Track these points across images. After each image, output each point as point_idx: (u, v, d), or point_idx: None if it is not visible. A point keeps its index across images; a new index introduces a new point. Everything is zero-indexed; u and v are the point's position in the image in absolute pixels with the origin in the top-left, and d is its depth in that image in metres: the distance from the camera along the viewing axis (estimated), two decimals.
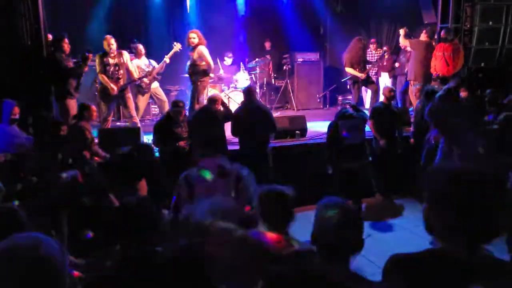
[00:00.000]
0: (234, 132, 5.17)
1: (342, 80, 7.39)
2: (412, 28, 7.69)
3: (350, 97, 7.43)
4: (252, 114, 5.00)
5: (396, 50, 8.54)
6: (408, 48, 7.40)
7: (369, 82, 7.24)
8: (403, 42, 7.27)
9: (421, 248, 1.58)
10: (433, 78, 6.96)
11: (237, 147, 5.52)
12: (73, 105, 5.42)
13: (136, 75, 6.20)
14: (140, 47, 6.77)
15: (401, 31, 7.21)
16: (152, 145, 4.57)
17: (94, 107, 4.81)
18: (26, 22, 5.39)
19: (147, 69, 6.52)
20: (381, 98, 5.85)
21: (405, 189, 5.61)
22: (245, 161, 4.95)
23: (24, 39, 5.36)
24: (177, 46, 6.40)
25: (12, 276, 1.08)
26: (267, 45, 9.15)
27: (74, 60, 5.72)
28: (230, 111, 5.28)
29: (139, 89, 6.55)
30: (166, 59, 6.44)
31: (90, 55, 5.56)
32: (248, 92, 5.22)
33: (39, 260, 1.11)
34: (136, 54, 6.80)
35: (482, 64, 7.32)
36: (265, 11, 9.25)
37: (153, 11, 8.53)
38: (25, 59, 5.37)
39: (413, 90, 6.92)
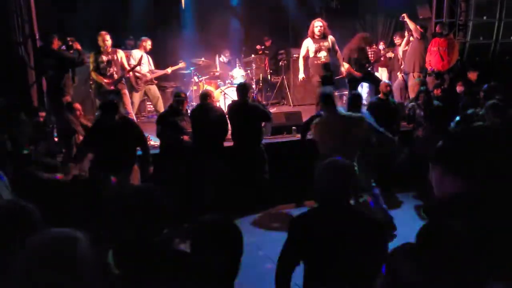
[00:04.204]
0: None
1: (336, 78, 7.33)
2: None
3: (346, 92, 7.40)
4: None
5: (391, 45, 8.54)
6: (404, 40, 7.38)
7: (368, 79, 7.15)
8: (413, 26, 6.91)
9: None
10: (428, 73, 6.98)
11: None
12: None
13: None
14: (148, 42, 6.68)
15: (405, 16, 6.96)
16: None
17: (78, 105, 4.75)
18: (18, 18, 5.35)
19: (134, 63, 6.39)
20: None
21: (403, 183, 5.63)
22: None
23: (15, 35, 5.32)
24: (182, 64, 6.93)
25: (50, 268, 1.11)
26: (267, 43, 9.14)
27: None
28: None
29: (133, 86, 6.51)
30: (169, 70, 6.78)
31: (76, 43, 5.53)
32: (237, 89, 5.08)
33: (75, 255, 1.15)
34: (138, 46, 6.75)
35: (477, 59, 7.36)
36: (260, 7, 9.21)
37: (148, 8, 8.46)
38: (17, 56, 5.34)
39: (413, 83, 6.82)
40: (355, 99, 4.98)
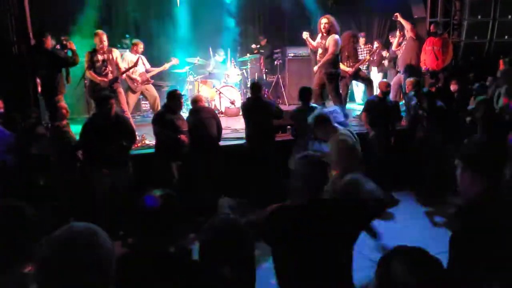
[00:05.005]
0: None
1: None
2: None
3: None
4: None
5: (386, 45, 8.56)
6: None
7: (359, 77, 7.17)
8: (409, 26, 6.94)
9: (412, 241, 1.59)
10: (423, 72, 7.00)
11: (228, 143, 5.52)
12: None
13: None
14: (140, 45, 6.64)
15: (398, 16, 6.98)
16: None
17: (63, 104, 4.70)
18: (11, 17, 5.30)
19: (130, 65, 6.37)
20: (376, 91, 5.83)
21: (400, 182, 5.62)
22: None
23: (9, 34, 5.27)
24: (175, 60, 6.94)
25: (72, 260, 1.11)
26: (262, 42, 9.13)
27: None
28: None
29: (130, 87, 6.49)
30: (167, 65, 6.83)
31: (71, 43, 5.53)
32: (250, 87, 5.27)
33: (96, 247, 1.15)
34: (130, 49, 6.72)
35: (472, 58, 7.39)
36: (256, 6, 9.21)
37: (143, 7, 8.42)
38: (10, 56, 5.29)
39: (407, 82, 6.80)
40: (304, 91, 5.03)
